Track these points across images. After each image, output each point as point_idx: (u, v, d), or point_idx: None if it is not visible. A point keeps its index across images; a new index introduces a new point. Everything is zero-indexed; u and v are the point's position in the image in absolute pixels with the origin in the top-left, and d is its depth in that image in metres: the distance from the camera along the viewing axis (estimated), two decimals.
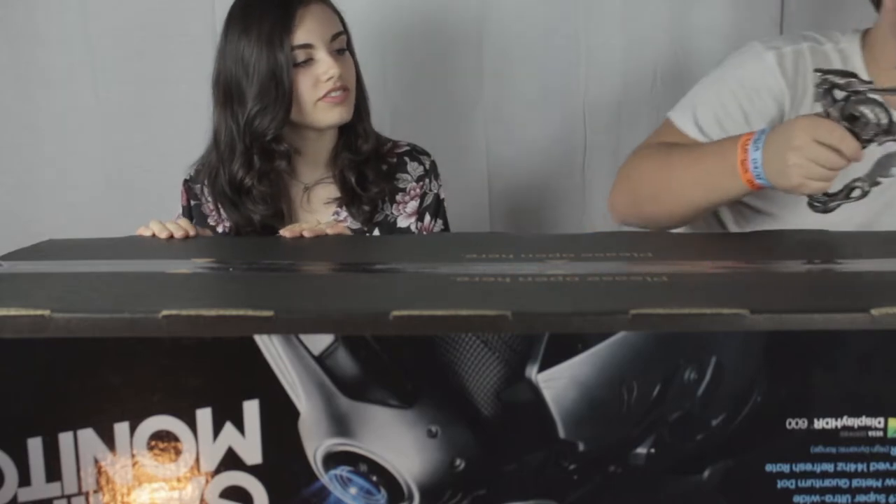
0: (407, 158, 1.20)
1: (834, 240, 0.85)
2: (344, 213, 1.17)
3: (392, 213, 1.19)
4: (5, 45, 1.38)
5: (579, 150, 1.43)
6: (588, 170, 1.44)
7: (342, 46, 1.13)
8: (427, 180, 1.20)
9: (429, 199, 1.20)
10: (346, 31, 1.14)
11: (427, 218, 1.20)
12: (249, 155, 1.11)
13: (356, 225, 1.17)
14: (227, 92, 1.12)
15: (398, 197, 1.19)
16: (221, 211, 1.17)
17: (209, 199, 1.18)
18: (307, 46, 1.09)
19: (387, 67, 1.31)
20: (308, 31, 1.09)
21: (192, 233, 1.01)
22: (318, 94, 1.10)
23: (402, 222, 1.19)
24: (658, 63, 1.40)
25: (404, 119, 1.36)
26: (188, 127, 1.37)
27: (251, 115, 1.09)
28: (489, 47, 1.40)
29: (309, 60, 1.10)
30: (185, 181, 1.21)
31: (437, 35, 1.41)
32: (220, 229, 1.18)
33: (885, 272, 0.70)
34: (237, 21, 1.10)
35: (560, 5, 1.39)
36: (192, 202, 1.20)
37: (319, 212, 1.18)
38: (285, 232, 0.94)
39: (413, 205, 1.19)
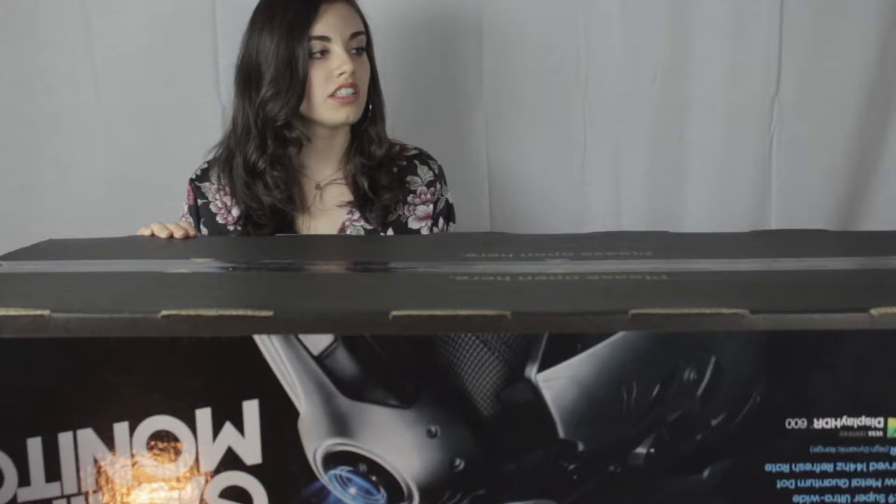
0: (417, 162, 1.23)
1: (833, 239, 0.85)
2: (357, 214, 1.19)
3: (404, 213, 1.20)
4: (5, 46, 1.38)
5: (579, 150, 1.43)
6: (588, 170, 1.43)
7: (360, 46, 1.15)
8: (438, 185, 1.23)
9: (441, 205, 1.23)
10: (367, 33, 1.16)
11: (441, 222, 1.23)
12: (263, 139, 1.14)
13: (370, 226, 1.18)
14: (246, 78, 1.15)
15: (409, 198, 1.21)
16: (232, 209, 1.18)
17: (219, 194, 1.19)
18: (324, 38, 1.12)
19: (387, 67, 1.31)
20: (328, 24, 1.12)
21: (191, 233, 1.02)
22: (329, 89, 1.12)
23: (413, 224, 1.21)
24: (658, 63, 1.39)
25: (404, 119, 1.36)
26: (189, 127, 1.37)
27: (264, 99, 1.13)
28: (489, 47, 1.40)
29: (325, 53, 1.12)
30: (192, 180, 1.22)
31: (437, 35, 1.41)
32: (230, 227, 1.18)
33: (884, 271, 0.70)
34: (262, 13, 1.14)
35: (560, 5, 1.39)
36: (200, 201, 1.20)
37: (332, 212, 1.19)
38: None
39: (424, 209, 1.21)
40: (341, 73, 1.12)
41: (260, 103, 1.13)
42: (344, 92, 1.12)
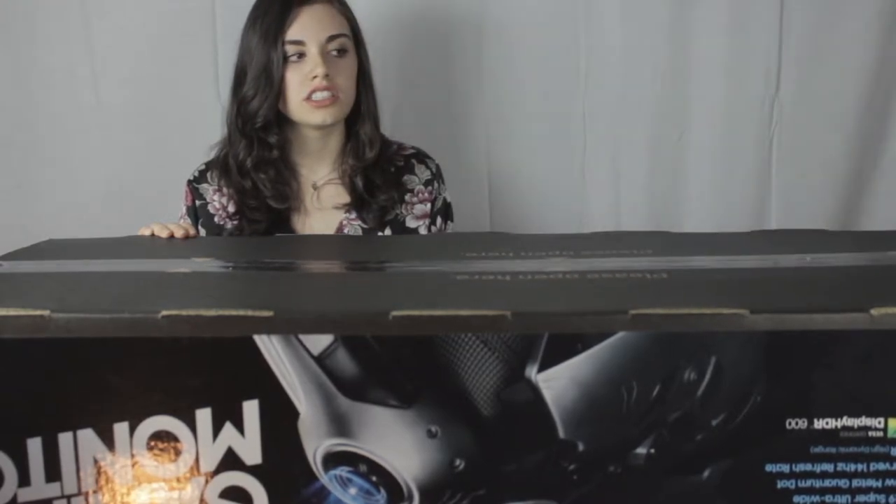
0: (414, 161, 1.23)
1: (833, 239, 0.85)
2: (355, 214, 1.19)
3: (402, 212, 1.20)
4: (5, 45, 1.38)
5: (579, 150, 1.43)
6: (588, 170, 1.43)
7: (341, 48, 1.14)
8: (436, 184, 1.22)
9: (439, 204, 1.23)
10: (351, 35, 1.16)
11: (439, 221, 1.23)
12: (250, 139, 1.16)
13: (367, 226, 1.18)
14: (237, 79, 1.17)
15: (406, 197, 1.21)
16: (229, 210, 1.18)
17: (216, 195, 1.19)
18: (298, 43, 1.12)
19: (387, 67, 1.31)
20: (302, 27, 1.12)
21: (192, 233, 1.02)
22: (304, 92, 1.12)
23: (411, 223, 1.21)
24: (658, 63, 1.39)
25: (404, 119, 1.36)
26: (189, 127, 1.37)
27: (245, 99, 1.14)
28: (489, 47, 1.40)
29: (301, 57, 1.13)
30: (189, 181, 1.22)
31: (437, 35, 1.41)
32: (227, 227, 1.19)
33: (884, 271, 0.70)
34: (252, 13, 1.16)
35: (560, 5, 1.39)
36: (198, 202, 1.21)
37: (330, 211, 1.19)
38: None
39: (422, 208, 1.21)
40: (314, 77, 1.12)
41: (241, 103, 1.15)
42: (319, 95, 1.12)
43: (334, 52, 1.14)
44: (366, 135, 1.19)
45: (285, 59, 1.12)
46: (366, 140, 1.19)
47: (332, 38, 1.13)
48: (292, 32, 1.12)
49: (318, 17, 1.13)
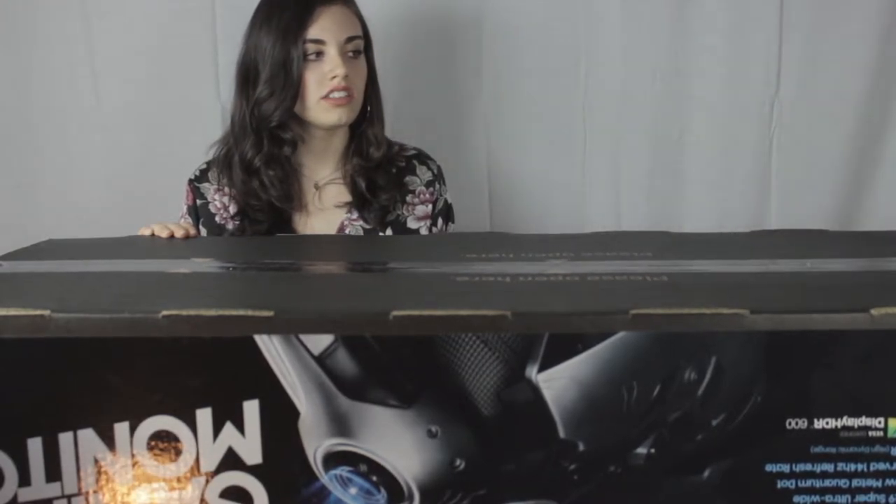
0: (416, 162, 1.23)
1: (833, 239, 0.85)
2: (356, 214, 1.19)
3: (403, 213, 1.20)
4: (5, 45, 1.38)
5: (579, 151, 1.43)
6: (588, 170, 1.43)
7: (357, 50, 1.15)
8: (437, 185, 1.23)
9: (440, 205, 1.23)
10: (365, 37, 1.17)
11: (440, 222, 1.23)
12: (259, 137, 1.15)
13: (369, 226, 1.18)
14: (244, 76, 1.16)
15: (408, 198, 1.21)
16: (230, 209, 1.18)
17: (217, 194, 1.19)
18: (319, 42, 1.12)
19: (387, 67, 1.31)
20: (323, 28, 1.12)
21: (192, 233, 1.02)
22: (322, 91, 1.12)
23: (412, 224, 1.21)
24: (658, 63, 1.39)
25: (404, 119, 1.36)
26: (189, 127, 1.37)
27: (260, 99, 1.14)
28: (489, 47, 1.40)
29: (319, 56, 1.13)
30: (191, 181, 1.22)
31: (437, 35, 1.41)
32: (229, 227, 1.19)
33: (884, 271, 0.70)
34: (262, 12, 1.15)
35: (560, 5, 1.39)
36: (199, 202, 1.21)
37: (331, 211, 1.20)
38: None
39: (423, 209, 1.21)
40: (334, 77, 1.12)
41: (255, 102, 1.14)
42: (336, 94, 1.13)
43: (350, 53, 1.14)
44: (374, 135, 1.19)
45: (304, 57, 1.12)
46: (373, 140, 1.19)
47: (349, 40, 1.14)
48: (313, 31, 1.12)
49: (337, 17, 1.13)
